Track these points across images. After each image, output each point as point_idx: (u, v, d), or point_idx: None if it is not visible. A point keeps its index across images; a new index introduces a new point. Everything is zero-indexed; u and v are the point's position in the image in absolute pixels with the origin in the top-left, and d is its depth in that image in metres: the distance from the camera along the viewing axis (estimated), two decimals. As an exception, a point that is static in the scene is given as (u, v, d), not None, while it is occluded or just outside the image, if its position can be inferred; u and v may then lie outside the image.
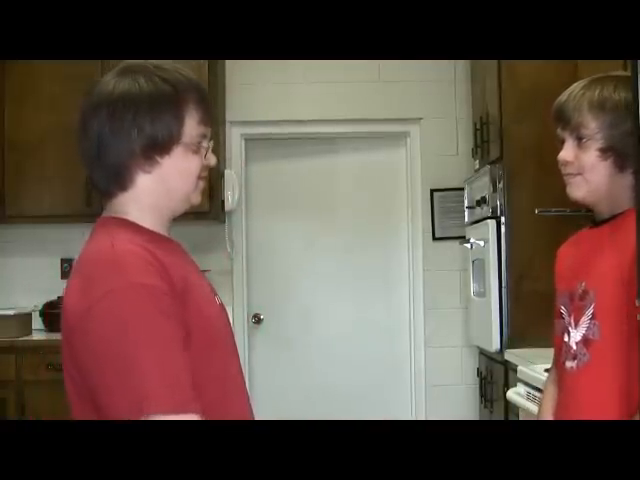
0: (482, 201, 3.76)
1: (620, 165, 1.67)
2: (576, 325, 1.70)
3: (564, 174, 1.74)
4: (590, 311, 1.66)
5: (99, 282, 1.24)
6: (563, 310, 1.76)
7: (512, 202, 3.50)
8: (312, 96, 4.60)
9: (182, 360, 1.23)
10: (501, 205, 3.53)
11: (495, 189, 3.58)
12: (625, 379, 1.61)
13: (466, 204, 4.15)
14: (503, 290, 3.53)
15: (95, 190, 1.45)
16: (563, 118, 1.72)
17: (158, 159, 1.37)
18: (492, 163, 3.68)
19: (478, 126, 3.96)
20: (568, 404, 1.74)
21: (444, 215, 4.60)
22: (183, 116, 1.38)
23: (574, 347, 1.69)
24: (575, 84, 1.74)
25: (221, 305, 1.49)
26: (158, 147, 1.36)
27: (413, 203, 4.65)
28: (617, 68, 2.17)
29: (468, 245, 3.97)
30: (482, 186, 3.78)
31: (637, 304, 1.41)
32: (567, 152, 1.72)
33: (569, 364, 1.71)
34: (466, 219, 4.17)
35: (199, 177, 1.43)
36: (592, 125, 1.67)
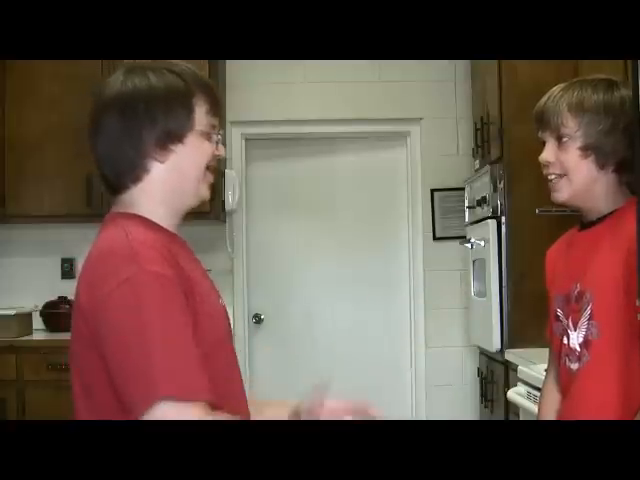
0: (482, 201, 3.76)
1: (601, 163, 1.69)
2: (575, 327, 1.70)
3: (546, 175, 1.76)
4: (588, 312, 1.67)
5: (115, 272, 1.25)
6: (560, 313, 1.77)
7: (512, 202, 3.49)
8: (312, 96, 4.60)
9: (195, 349, 1.24)
10: (501, 205, 3.53)
11: (495, 189, 3.58)
12: (626, 377, 1.61)
13: (466, 204, 4.15)
14: (503, 290, 3.53)
15: (106, 186, 1.45)
16: (543, 120, 1.74)
17: (172, 148, 1.40)
18: (492, 163, 3.68)
19: (478, 126, 3.96)
20: (574, 405, 1.74)
21: (444, 215, 4.60)
22: (193, 105, 1.40)
23: (578, 349, 1.70)
24: (554, 87, 1.76)
25: (224, 307, 1.50)
26: (172, 136, 1.39)
27: (413, 203, 4.65)
28: (617, 68, 2.18)
29: (468, 245, 3.97)
30: (482, 186, 3.78)
31: (637, 304, 1.41)
32: (548, 153, 1.74)
33: (572, 366, 1.72)
34: (466, 219, 4.16)
35: (207, 167, 1.45)
36: (571, 124, 1.69)
